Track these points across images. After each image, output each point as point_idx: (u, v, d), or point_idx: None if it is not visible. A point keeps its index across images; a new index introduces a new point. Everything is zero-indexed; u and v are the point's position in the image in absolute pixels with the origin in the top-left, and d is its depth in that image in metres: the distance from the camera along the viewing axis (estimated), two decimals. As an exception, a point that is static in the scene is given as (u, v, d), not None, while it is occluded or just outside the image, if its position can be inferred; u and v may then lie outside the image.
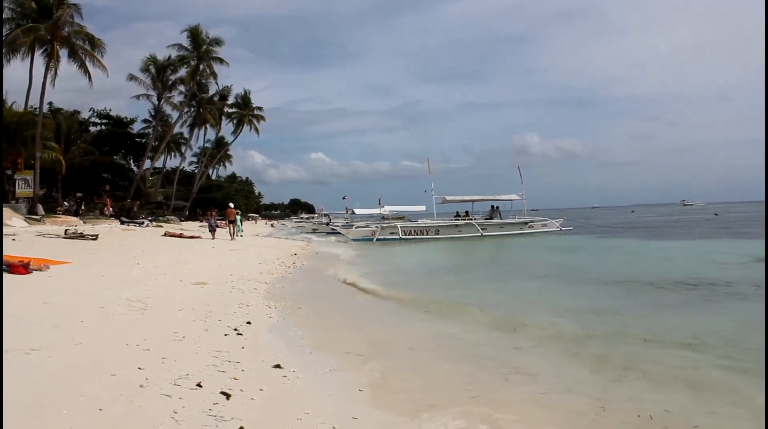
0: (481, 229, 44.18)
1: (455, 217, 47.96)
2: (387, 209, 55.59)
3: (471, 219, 46.44)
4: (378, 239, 41.97)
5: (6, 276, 12.49)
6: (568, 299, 13.73)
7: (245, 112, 74.09)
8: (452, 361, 7.95)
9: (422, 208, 52.93)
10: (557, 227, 47.85)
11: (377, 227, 44.42)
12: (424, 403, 6.11)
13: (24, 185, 41.97)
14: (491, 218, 47.15)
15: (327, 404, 5.92)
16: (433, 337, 9.46)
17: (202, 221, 41.58)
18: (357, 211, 66.58)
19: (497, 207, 48.77)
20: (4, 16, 40.80)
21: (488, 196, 49.14)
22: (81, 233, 26.02)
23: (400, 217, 55.97)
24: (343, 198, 69.08)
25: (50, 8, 41.28)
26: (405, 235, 43.26)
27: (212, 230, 36.80)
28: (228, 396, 5.80)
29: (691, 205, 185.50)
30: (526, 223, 46.75)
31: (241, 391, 6.01)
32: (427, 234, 43.83)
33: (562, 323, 10.29)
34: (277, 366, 7.11)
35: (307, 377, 6.83)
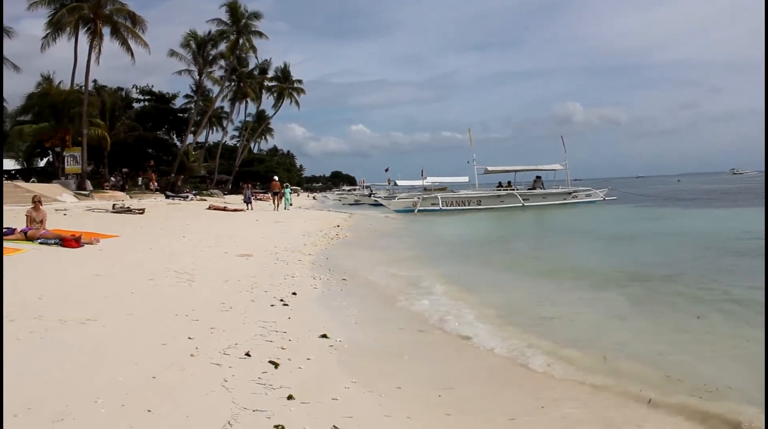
0: (524, 199, 43.66)
1: (497, 187, 47.51)
2: (429, 180, 55.31)
3: (513, 189, 45.94)
4: (419, 210, 41.83)
5: (59, 249, 12.88)
6: (616, 262, 13.63)
7: (285, 85, 74.16)
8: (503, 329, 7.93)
9: (465, 178, 52.45)
10: (601, 197, 47.04)
11: (419, 198, 44.27)
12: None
13: (72, 162, 42.91)
14: (534, 188, 46.55)
15: (375, 373, 5.95)
16: (480, 305, 9.42)
17: (249, 193, 42.75)
18: (399, 182, 66.50)
19: (540, 177, 48.16)
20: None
21: (531, 166, 48.48)
22: (128, 207, 26.57)
23: (442, 188, 55.68)
24: (386, 170, 69.22)
25: (92, -14, 41.68)
26: (446, 206, 43.02)
27: (248, 202, 38.46)
28: (276, 365, 5.87)
29: (741, 173, 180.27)
30: (569, 193, 46.06)
31: (289, 360, 6.08)
32: (469, 205, 43.52)
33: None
34: (324, 336, 7.17)
35: (353, 347, 6.87)
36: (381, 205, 48.24)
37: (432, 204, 42.91)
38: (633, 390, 5.60)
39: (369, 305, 9.45)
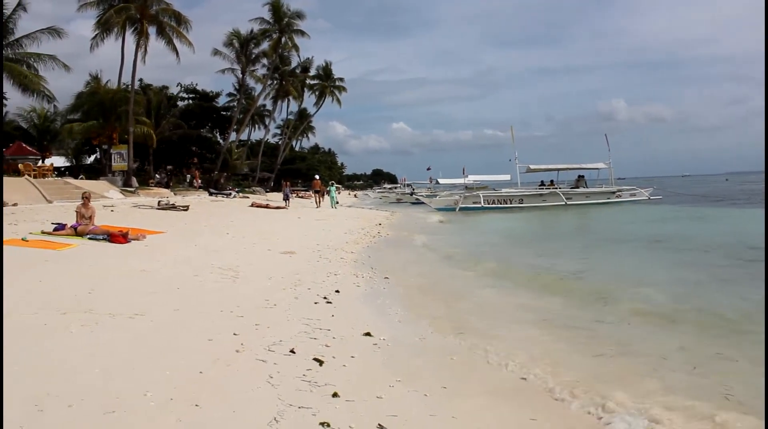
0: (567, 198, 43.15)
1: (540, 186, 47.07)
2: (471, 179, 55.05)
3: (556, 188, 45.45)
4: (461, 208, 41.68)
5: (107, 245, 13.14)
6: (660, 271, 13.30)
7: (327, 83, 74.53)
8: (549, 332, 7.83)
9: (506, 177, 52.04)
10: (646, 196, 46.27)
11: (460, 197, 44.11)
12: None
13: (119, 159, 43.79)
14: (577, 187, 45.97)
15: (419, 372, 5.94)
16: (521, 308, 9.34)
17: (287, 190, 43.82)
18: (441, 180, 66.38)
19: (583, 176, 47.54)
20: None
21: (574, 165, 47.90)
22: (173, 204, 26.98)
23: (484, 186, 55.42)
24: (428, 168, 69.15)
25: (138, -13, 42.47)
26: (488, 204, 42.79)
27: (286, 199, 39.43)
28: (321, 362, 5.89)
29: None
30: (613, 193, 45.40)
31: (333, 357, 6.10)
32: (511, 203, 43.22)
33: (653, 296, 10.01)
34: (367, 334, 7.18)
35: (397, 345, 6.86)
36: (422, 203, 48.18)
37: (474, 202, 42.72)
38: None
39: (412, 304, 9.43)
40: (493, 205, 42.66)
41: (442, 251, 17.25)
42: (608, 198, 44.49)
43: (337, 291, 9.81)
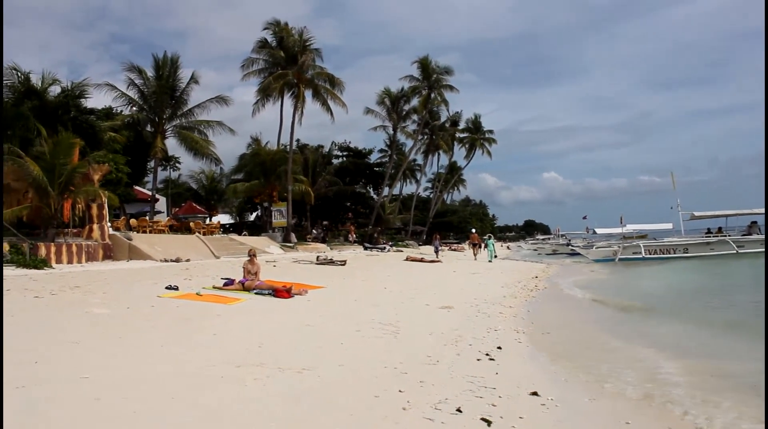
0: (738, 246, 40.17)
1: (706, 233, 44.26)
2: (629, 228, 52.77)
3: (725, 235, 42.48)
4: (620, 259, 39.95)
5: (272, 299, 13.73)
6: None
7: (476, 135, 75.18)
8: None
9: (668, 225, 49.40)
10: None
11: (619, 247, 42.34)
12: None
13: (279, 216, 46.18)
14: (749, 234, 42.69)
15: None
16: (707, 372, 8.64)
17: (437, 243, 44.68)
18: (598, 230, 64.18)
19: (756, 222, 44.11)
20: (259, 67, 45.68)
21: (744, 211, 44.67)
22: (331, 259, 27.85)
23: (643, 235, 52.93)
24: (584, 217, 67.29)
25: (295, 55, 45.36)
26: (649, 254, 40.73)
27: (436, 251, 41.42)
28: (489, 422, 5.72)
29: None
30: (792, 239, 41.77)
31: (501, 418, 5.90)
32: (675, 253, 40.85)
33: None
34: (534, 393, 6.91)
35: (566, 406, 6.54)
36: (579, 254, 46.70)
37: (634, 252, 40.85)
38: None
39: (577, 361, 9.02)
40: (656, 256, 40.51)
41: (606, 305, 16.50)
42: (787, 245, 40.97)
43: (499, 347, 9.58)
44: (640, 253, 40.72)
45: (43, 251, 20.19)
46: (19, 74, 26.68)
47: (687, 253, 40.58)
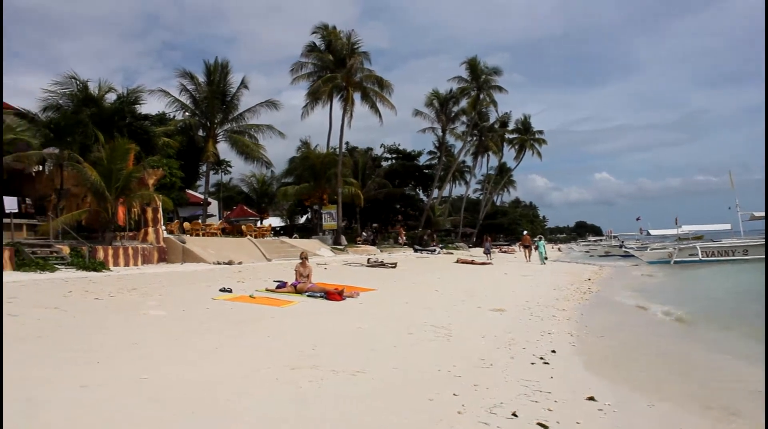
0: (801, 247, 38.85)
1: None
2: (684, 229, 51.56)
3: (787, 236, 41.17)
4: (676, 262, 39.04)
5: (324, 302, 13.82)
6: None
7: (526, 137, 74.54)
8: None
9: (726, 226, 48.19)
10: None
11: (674, 249, 41.39)
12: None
13: (329, 218, 46.47)
14: (813, 235, 41.28)
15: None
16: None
17: (488, 245, 44.53)
18: (652, 231, 62.91)
19: (825, 221, 42.67)
20: (308, 71, 46.15)
21: (808, 210, 43.24)
22: (381, 262, 27.90)
23: (699, 236, 51.69)
24: (637, 219, 66.31)
25: (344, 58, 45.72)
26: (706, 256, 39.69)
27: (487, 253, 41.38)
28: (545, 428, 5.65)
29: None
30: None
31: (558, 423, 5.82)
32: (733, 255, 39.68)
33: None
34: (591, 398, 6.79)
35: (624, 412, 6.41)
36: (632, 256, 45.80)
37: (690, 254, 39.87)
38: None
39: (633, 367, 8.84)
40: (713, 258, 39.44)
41: (661, 309, 16.13)
42: None
43: (553, 351, 9.46)
44: (697, 255, 39.74)
45: (101, 254, 20.71)
46: (78, 83, 27.39)
47: (747, 255, 39.38)
